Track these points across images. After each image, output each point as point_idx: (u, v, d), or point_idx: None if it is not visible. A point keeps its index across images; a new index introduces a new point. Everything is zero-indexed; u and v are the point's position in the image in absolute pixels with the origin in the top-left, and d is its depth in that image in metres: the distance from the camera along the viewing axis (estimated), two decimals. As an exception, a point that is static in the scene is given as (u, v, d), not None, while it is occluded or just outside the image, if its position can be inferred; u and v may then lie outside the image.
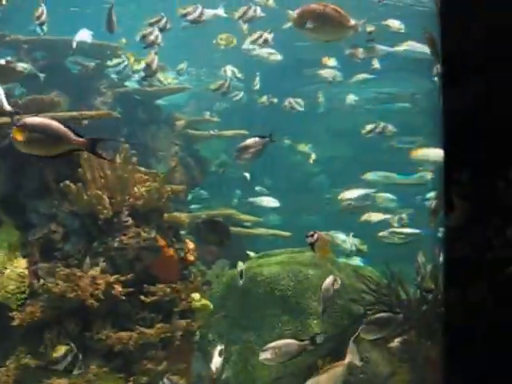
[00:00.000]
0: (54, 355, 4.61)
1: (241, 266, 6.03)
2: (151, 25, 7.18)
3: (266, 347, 4.34)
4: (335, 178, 12.15)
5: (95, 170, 5.11)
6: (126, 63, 8.94)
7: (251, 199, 10.22)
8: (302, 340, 4.38)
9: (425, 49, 5.85)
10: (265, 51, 9.27)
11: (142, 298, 4.89)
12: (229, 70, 9.37)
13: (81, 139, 3.48)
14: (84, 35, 8.60)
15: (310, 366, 5.30)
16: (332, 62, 10.50)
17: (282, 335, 4.87)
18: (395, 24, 8.62)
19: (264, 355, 4.32)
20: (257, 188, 11.04)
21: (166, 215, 5.38)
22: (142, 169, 5.69)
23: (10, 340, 5.01)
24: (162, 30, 7.20)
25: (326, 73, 10.55)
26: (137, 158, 5.40)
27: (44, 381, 4.66)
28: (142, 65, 8.25)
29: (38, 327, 4.87)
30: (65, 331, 4.83)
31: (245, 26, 8.36)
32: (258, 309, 5.83)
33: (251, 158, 4.55)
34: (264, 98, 10.85)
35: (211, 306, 5.48)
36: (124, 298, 4.85)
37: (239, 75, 9.52)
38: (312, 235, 4.52)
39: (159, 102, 9.81)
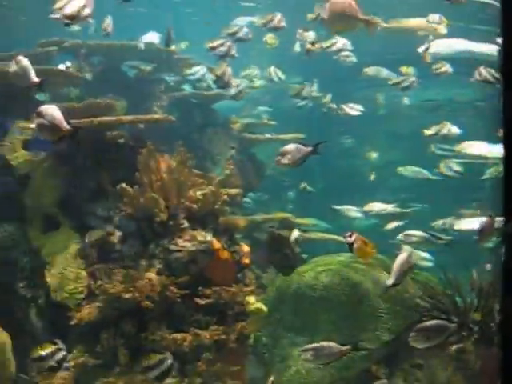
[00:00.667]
0: (148, 363, 4.74)
1: (295, 233, 6.11)
2: (228, 35, 7.16)
3: (307, 347, 4.39)
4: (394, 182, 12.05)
5: (152, 173, 5.24)
6: (204, 71, 9.05)
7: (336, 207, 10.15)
8: (344, 344, 4.40)
9: (483, 50, 5.86)
10: (344, 53, 9.24)
11: (197, 300, 4.99)
12: (273, 71, 9.40)
13: (67, 127, 3.85)
14: (152, 37, 8.89)
15: (364, 371, 5.32)
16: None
17: (335, 340, 4.90)
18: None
19: (304, 355, 4.38)
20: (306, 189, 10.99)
21: (221, 218, 5.47)
22: (199, 172, 5.81)
23: (68, 339, 5.19)
24: (238, 40, 7.20)
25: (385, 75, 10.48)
26: (193, 161, 5.52)
27: (100, 379, 4.83)
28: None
29: (95, 327, 5.04)
30: (121, 331, 4.98)
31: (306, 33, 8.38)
32: (313, 313, 5.85)
33: (290, 164, 4.51)
34: (327, 98, 10.88)
35: (265, 310, 5.54)
36: (179, 299, 4.97)
37: (282, 76, 9.53)
38: (350, 235, 4.53)
39: (216, 105, 9.97)
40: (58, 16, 4.18)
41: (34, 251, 5.70)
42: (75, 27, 7.62)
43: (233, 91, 8.38)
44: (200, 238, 5.19)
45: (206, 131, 9.41)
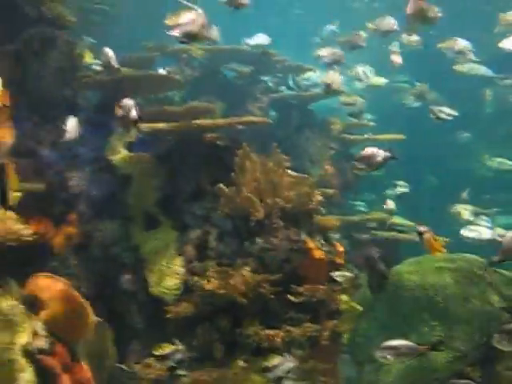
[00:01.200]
0: (267, 363, 4.88)
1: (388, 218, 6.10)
2: (340, 43, 7.24)
3: (384, 345, 4.38)
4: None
5: (248, 173, 5.42)
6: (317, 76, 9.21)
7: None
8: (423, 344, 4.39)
9: None
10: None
11: (290, 297, 5.11)
12: (360, 69, 9.37)
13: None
14: (262, 39, 9.16)
15: (457, 373, 5.30)
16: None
17: (429, 341, 4.92)
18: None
19: (381, 353, 4.37)
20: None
21: (315, 218, 5.59)
22: (294, 173, 5.94)
23: (165, 332, 5.45)
24: (354, 47, 7.21)
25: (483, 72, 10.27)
26: (290, 161, 5.66)
27: (196, 372, 5.04)
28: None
29: (191, 322, 5.27)
30: (216, 326, 5.19)
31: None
32: (406, 313, 5.89)
33: (366, 169, 4.47)
34: (433, 96, 10.81)
35: (359, 309, 5.63)
36: (273, 297, 5.10)
37: (370, 75, 9.50)
38: (422, 226, 4.59)
39: (314, 105, 10.11)
40: (176, 34, 4.31)
41: (135, 248, 6.01)
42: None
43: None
44: (294, 238, 5.33)
45: (303, 131, 9.56)
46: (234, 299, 5.05)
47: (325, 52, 7.03)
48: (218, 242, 5.58)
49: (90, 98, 7.35)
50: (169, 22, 4.28)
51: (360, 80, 9.37)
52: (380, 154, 4.48)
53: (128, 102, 4.84)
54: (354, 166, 4.57)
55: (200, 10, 4.29)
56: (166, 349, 5.03)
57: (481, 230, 8.15)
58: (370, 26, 7.07)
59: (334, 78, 6.60)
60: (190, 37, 4.35)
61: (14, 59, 6.13)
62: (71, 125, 5.57)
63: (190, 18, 4.29)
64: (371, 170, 4.54)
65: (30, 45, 6.42)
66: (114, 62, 5.86)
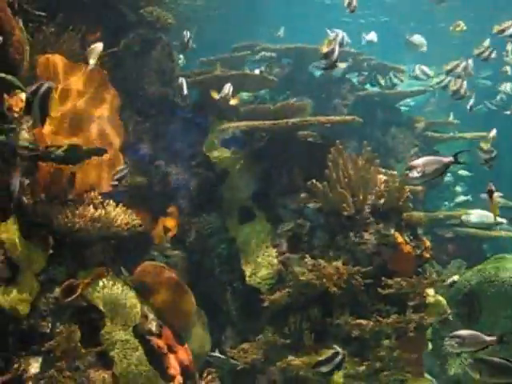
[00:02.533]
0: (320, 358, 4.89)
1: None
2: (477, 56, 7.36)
3: (453, 334, 4.31)
4: None
5: (340, 170, 5.54)
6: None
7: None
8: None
9: None
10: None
11: (380, 290, 5.20)
12: (418, 69, 9.35)
13: None
14: (372, 36, 9.39)
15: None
16: None
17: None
18: None
19: (449, 341, 4.29)
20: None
21: (404, 214, 5.62)
22: (383, 170, 6.04)
23: (260, 320, 5.70)
24: (486, 59, 7.38)
25: None
26: (378, 159, 5.77)
27: (287, 357, 5.19)
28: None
29: (284, 310, 5.45)
30: (307, 316, 5.35)
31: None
32: (491, 310, 5.91)
33: (420, 178, 4.09)
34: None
35: (444, 303, 5.70)
36: (363, 288, 5.23)
37: (430, 73, 9.45)
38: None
39: (400, 103, 10.18)
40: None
41: (231, 240, 6.25)
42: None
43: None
44: (384, 232, 5.43)
45: (389, 129, 9.62)
46: (326, 290, 5.17)
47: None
48: (310, 235, 5.71)
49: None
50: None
51: (418, 78, 9.42)
52: (436, 161, 4.10)
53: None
54: (405, 176, 4.15)
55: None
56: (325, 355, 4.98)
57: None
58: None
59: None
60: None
61: (115, 61, 6.45)
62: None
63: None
64: (426, 179, 4.17)
65: (131, 47, 6.76)
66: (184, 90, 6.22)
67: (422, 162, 4.10)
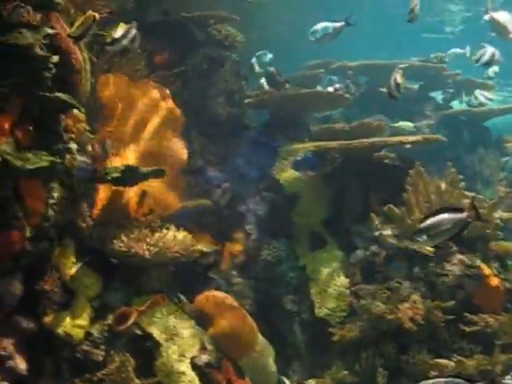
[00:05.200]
0: None
1: None
2: None
3: None
4: None
5: (420, 194, 5.36)
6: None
7: None
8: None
9: None
10: None
11: (462, 326, 4.99)
12: (478, 94, 8.99)
13: None
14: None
15: None
16: None
17: None
18: None
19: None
20: None
21: (492, 243, 5.40)
22: (470, 194, 5.81)
23: (329, 354, 5.57)
24: None
25: None
26: (464, 182, 5.56)
27: None
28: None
29: (355, 345, 5.28)
30: (381, 352, 5.14)
31: None
32: None
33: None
34: None
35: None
36: (443, 324, 5.00)
37: (491, 96, 9.09)
38: None
39: (488, 123, 9.86)
40: None
41: (300, 268, 6.14)
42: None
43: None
44: (468, 263, 5.21)
45: (476, 150, 9.33)
46: (401, 324, 4.99)
47: None
48: (386, 264, 5.55)
49: (256, 117, 7.65)
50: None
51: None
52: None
53: None
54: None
55: None
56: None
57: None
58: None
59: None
60: None
61: (182, 80, 6.50)
62: None
63: None
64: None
65: (198, 66, 6.80)
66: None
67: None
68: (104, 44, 4.76)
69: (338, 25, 5.43)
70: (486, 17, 6.39)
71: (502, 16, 6.35)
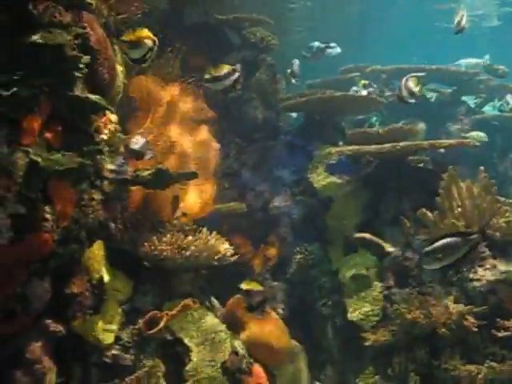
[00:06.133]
0: None
1: None
2: None
3: None
4: None
5: (453, 198, 5.12)
6: None
7: None
8: None
9: None
10: None
11: (495, 332, 4.72)
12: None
13: None
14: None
15: None
16: None
17: None
18: None
19: None
20: None
21: None
22: (502, 198, 5.55)
23: (362, 359, 5.33)
24: None
25: None
26: (497, 187, 5.30)
27: None
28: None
29: (388, 350, 5.06)
30: (413, 357, 4.92)
31: None
32: None
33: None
34: None
35: None
36: (475, 330, 4.75)
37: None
38: None
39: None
40: None
41: (333, 271, 5.91)
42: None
43: None
44: (501, 268, 4.93)
45: (508, 155, 9.01)
46: (434, 330, 4.77)
47: None
48: (419, 269, 5.28)
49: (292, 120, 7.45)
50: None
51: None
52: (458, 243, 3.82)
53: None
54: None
55: None
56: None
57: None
58: None
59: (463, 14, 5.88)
60: None
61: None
62: None
63: None
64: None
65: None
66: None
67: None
68: (205, 81, 4.58)
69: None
70: None
71: None
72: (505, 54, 10.05)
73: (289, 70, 6.80)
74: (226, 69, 4.44)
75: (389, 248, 5.44)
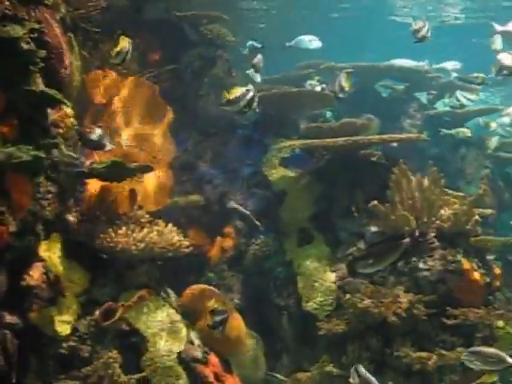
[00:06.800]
0: None
1: None
2: None
3: (473, 350, 4.11)
4: None
5: (403, 191, 5.21)
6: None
7: None
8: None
9: None
10: None
11: (444, 320, 4.86)
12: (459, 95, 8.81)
13: None
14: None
15: None
16: None
17: None
18: None
19: (468, 357, 4.07)
20: None
21: (472, 239, 5.24)
22: (451, 191, 5.67)
23: (316, 348, 5.41)
24: None
25: None
26: (445, 180, 5.40)
27: None
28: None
29: (342, 339, 5.14)
30: (366, 345, 5.02)
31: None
32: None
33: None
34: None
35: (516, 336, 5.25)
36: (425, 318, 4.88)
37: (472, 97, 8.91)
38: None
39: (469, 123, 9.67)
40: None
41: (288, 262, 5.96)
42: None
43: None
44: (449, 258, 5.06)
45: (459, 150, 9.18)
46: (386, 318, 4.86)
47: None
48: (370, 259, 5.38)
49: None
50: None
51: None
52: None
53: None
54: None
55: None
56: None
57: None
58: None
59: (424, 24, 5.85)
60: None
61: (175, 79, 6.30)
62: None
63: None
64: None
65: (190, 64, 6.60)
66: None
67: None
68: (221, 105, 4.76)
69: None
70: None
71: None
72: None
73: (251, 69, 6.85)
74: (239, 91, 4.55)
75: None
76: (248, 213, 5.98)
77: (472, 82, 7.31)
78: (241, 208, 6.00)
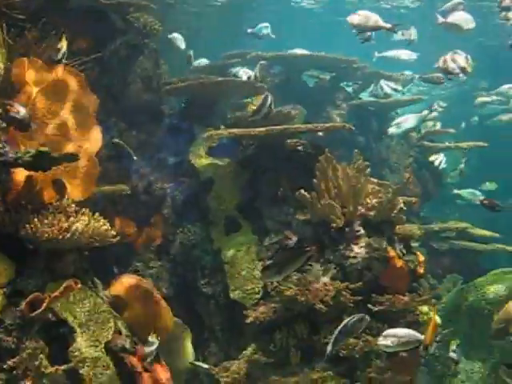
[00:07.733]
0: None
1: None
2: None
3: (387, 333, 4.30)
4: None
5: (329, 180, 5.32)
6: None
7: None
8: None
9: None
10: None
11: (370, 306, 5.00)
12: (384, 84, 9.17)
13: None
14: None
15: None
16: None
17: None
18: None
19: (384, 341, 4.28)
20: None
21: (397, 227, 5.41)
22: (376, 180, 5.82)
23: (244, 336, 5.51)
24: None
25: None
26: (370, 169, 5.52)
27: (272, 376, 5.00)
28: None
29: (269, 326, 5.20)
30: (293, 332, 5.09)
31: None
32: (487, 328, 5.71)
33: None
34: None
35: (439, 321, 5.46)
36: (352, 305, 4.99)
37: (397, 87, 9.29)
38: None
39: (394, 112, 9.97)
40: None
41: (215, 251, 6.06)
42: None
43: None
44: (375, 246, 5.19)
45: (383, 139, 9.44)
46: (313, 305, 4.95)
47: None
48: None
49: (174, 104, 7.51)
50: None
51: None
52: None
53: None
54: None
55: None
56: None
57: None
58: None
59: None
60: None
61: (101, 67, 6.26)
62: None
63: None
64: None
65: (117, 53, 6.57)
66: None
67: None
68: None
69: None
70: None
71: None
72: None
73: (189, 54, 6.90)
74: (259, 99, 5.16)
75: None
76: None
77: (434, 83, 7.53)
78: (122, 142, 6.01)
